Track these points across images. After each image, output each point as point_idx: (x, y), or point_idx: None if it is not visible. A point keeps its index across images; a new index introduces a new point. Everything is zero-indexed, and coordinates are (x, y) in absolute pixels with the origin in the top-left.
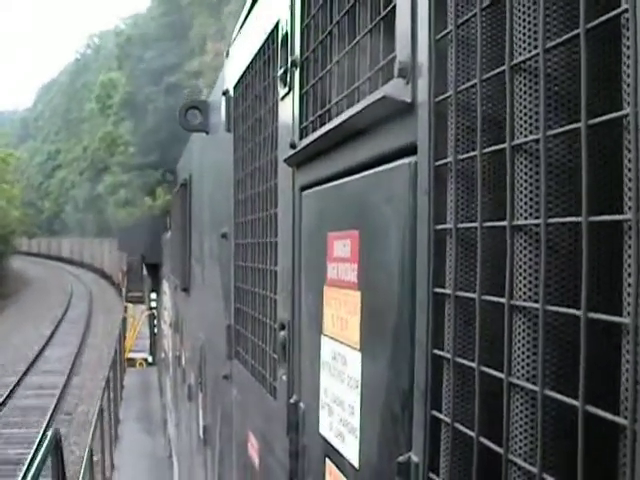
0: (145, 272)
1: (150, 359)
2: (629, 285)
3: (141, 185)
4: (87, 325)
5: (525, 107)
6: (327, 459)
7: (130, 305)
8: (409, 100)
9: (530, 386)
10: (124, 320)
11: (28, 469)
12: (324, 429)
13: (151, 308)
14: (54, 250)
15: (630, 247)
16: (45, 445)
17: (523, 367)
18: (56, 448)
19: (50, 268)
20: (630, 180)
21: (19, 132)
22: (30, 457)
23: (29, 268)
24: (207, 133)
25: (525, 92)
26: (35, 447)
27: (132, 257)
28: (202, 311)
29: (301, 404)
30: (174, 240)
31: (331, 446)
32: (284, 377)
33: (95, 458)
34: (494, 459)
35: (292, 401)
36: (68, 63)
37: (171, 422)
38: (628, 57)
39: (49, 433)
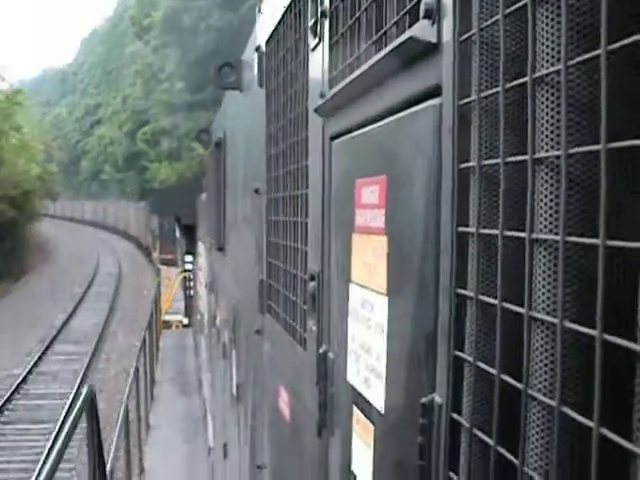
0: (178, 234)
1: (185, 321)
2: None
3: (189, 130)
4: (117, 287)
5: (547, 39)
6: (354, 406)
7: (164, 267)
8: (434, 40)
9: (550, 319)
10: (159, 283)
11: (62, 427)
12: (352, 376)
13: (185, 270)
14: (78, 213)
15: None
16: (79, 402)
17: (543, 301)
18: (90, 406)
19: (75, 231)
20: None
21: (58, 88)
22: (64, 413)
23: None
24: (240, 90)
25: (547, 24)
26: (69, 404)
27: (164, 219)
28: (236, 269)
29: (330, 353)
30: (209, 200)
31: (358, 393)
32: (314, 327)
33: (130, 417)
34: (515, 395)
35: (321, 351)
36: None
37: (206, 382)
38: None
39: (83, 390)
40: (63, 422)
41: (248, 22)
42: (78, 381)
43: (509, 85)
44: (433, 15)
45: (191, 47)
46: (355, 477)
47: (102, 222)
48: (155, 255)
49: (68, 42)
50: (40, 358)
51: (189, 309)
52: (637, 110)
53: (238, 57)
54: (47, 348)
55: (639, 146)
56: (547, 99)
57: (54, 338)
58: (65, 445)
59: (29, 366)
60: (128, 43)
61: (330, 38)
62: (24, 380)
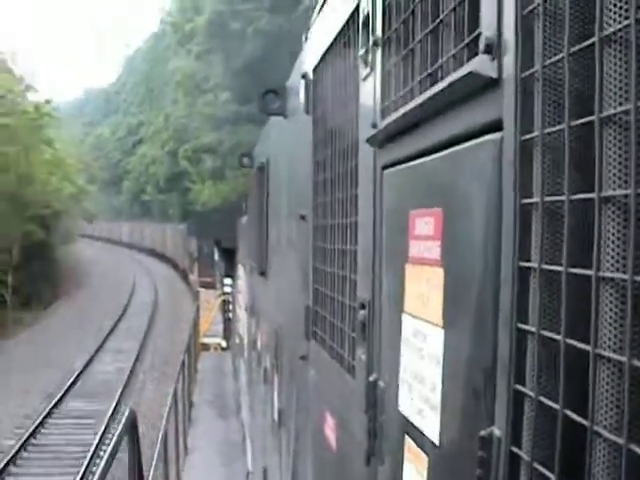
0: (217, 257)
1: (224, 344)
2: None
3: (234, 146)
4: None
5: (615, 79)
6: (406, 436)
7: (203, 290)
8: (495, 76)
9: (617, 357)
10: (198, 306)
11: (99, 448)
12: (403, 406)
13: (224, 293)
14: (115, 235)
15: None
16: (121, 425)
17: (610, 338)
18: (132, 428)
19: (112, 252)
20: None
21: (102, 107)
22: (100, 435)
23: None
24: (285, 117)
25: (615, 64)
26: (105, 426)
27: (202, 242)
28: (279, 294)
29: (380, 382)
30: (251, 224)
31: (410, 423)
32: (363, 356)
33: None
34: (579, 431)
35: (371, 379)
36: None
37: (245, 406)
38: None
39: (126, 412)
40: (99, 443)
41: (299, 27)
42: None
43: (575, 123)
44: (494, 50)
45: (237, 54)
46: None
47: (139, 244)
48: (192, 278)
49: (112, 61)
50: (42, 423)
51: (227, 332)
52: None
53: (288, 65)
54: (55, 406)
55: None
56: (615, 137)
57: (67, 391)
58: (108, 467)
59: (26, 435)
60: (171, 57)
61: (382, 68)
62: (12, 460)
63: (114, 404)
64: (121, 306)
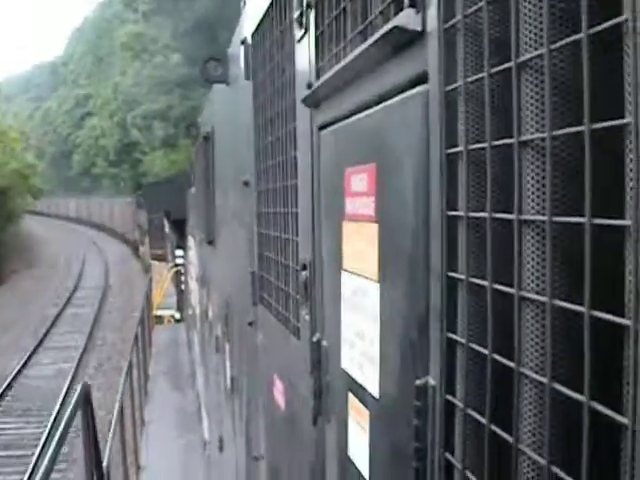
0: (167, 229)
1: (177, 316)
2: (631, 189)
3: (186, 112)
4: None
5: (530, 24)
6: (349, 393)
7: (156, 263)
8: (419, 29)
9: (539, 298)
10: (150, 279)
11: (56, 424)
12: (346, 364)
13: (177, 265)
14: (63, 210)
15: (631, 151)
16: (74, 399)
17: (533, 281)
18: (85, 402)
19: (59, 229)
20: (630, 85)
21: (49, 81)
22: (57, 410)
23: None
24: (227, 84)
25: (530, 9)
26: (61, 400)
27: (152, 214)
28: (227, 262)
29: (324, 341)
30: (198, 194)
31: (353, 379)
32: (307, 317)
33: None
34: (507, 375)
35: (315, 339)
36: None
37: (200, 376)
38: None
39: (78, 387)
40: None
41: None
42: None
43: (494, 70)
44: (418, 4)
45: (187, 13)
46: (352, 462)
47: (87, 219)
48: (143, 250)
49: (60, 34)
50: None
51: (181, 304)
52: (618, 91)
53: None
54: None
55: (620, 126)
56: (531, 83)
57: None
58: (61, 443)
59: None
60: (119, 26)
61: (316, 29)
62: None
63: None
64: (69, 289)
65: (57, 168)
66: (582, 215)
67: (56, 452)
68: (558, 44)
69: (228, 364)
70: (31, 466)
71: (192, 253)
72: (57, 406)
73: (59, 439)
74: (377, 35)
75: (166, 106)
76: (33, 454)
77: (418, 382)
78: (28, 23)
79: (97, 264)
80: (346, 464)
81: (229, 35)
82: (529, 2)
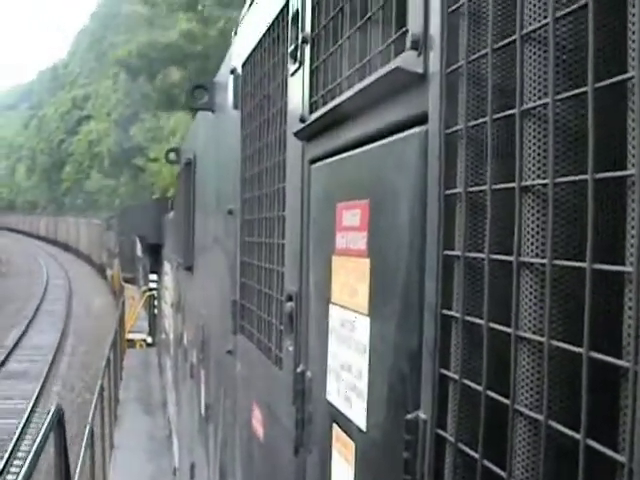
0: (140, 253)
1: (149, 340)
2: (632, 237)
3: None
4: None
5: (534, 74)
6: (334, 424)
7: (129, 286)
8: (421, 71)
9: (537, 337)
10: (123, 301)
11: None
12: (331, 395)
13: (150, 289)
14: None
15: (633, 201)
16: (47, 421)
17: (530, 321)
18: (59, 425)
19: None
20: (634, 138)
21: (49, 87)
22: (21, 428)
23: None
24: (213, 112)
25: (535, 60)
26: (26, 418)
27: (124, 237)
28: (205, 289)
29: (308, 373)
30: (177, 219)
31: (338, 411)
32: (290, 347)
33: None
34: (501, 411)
35: (299, 370)
36: None
37: (171, 402)
38: (633, 24)
39: (52, 409)
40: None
41: None
42: None
43: (497, 116)
44: (420, 46)
45: None
46: None
47: (53, 238)
48: (111, 273)
49: (66, 38)
50: None
51: (153, 328)
52: (621, 142)
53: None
54: None
55: (623, 177)
56: (534, 130)
57: None
58: (34, 465)
59: None
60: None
61: (311, 64)
62: None
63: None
64: (33, 307)
65: (49, 181)
66: (583, 260)
67: (29, 474)
68: (563, 95)
69: (203, 391)
70: None
71: (167, 278)
72: (20, 426)
73: (31, 461)
74: (377, 74)
75: (183, 78)
76: None
77: (409, 416)
78: (34, 29)
79: (60, 286)
80: None
81: None
82: (534, 52)
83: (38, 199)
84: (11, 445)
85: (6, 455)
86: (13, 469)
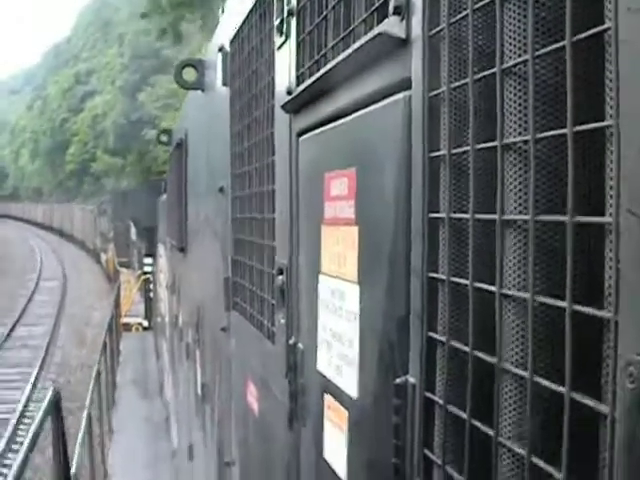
0: (133, 236)
1: (145, 323)
2: (611, 188)
3: None
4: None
5: (514, 32)
6: (326, 394)
7: (124, 270)
8: (403, 36)
9: (521, 294)
10: (119, 285)
11: (16, 429)
12: (322, 365)
13: (145, 273)
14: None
15: (612, 153)
16: (44, 405)
17: (514, 279)
18: (56, 409)
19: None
20: (612, 90)
21: (52, 66)
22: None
23: None
24: (202, 90)
25: (514, 18)
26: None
27: (117, 222)
28: (199, 269)
29: (300, 344)
30: (170, 201)
31: (329, 381)
32: (282, 320)
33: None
34: (488, 370)
35: (291, 342)
36: None
37: (168, 384)
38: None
39: (49, 393)
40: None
41: None
42: None
43: (478, 76)
44: (402, 11)
45: None
46: (328, 464)
47: (50, 225)
48: (106, 257)
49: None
50: None
51: (149, 311)
52: (600, 96)
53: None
54: None
55: (601, 128)
56: (515, 88)
57: None
58: (30, 449)
59: None
60: None
61: (297, 36)
62: None
63: None
64: (29, 290)
65: (52, 165)
66: (564, 214)
67: (26, 458)
68: (542, 51)
69: (199, 371)
70: None
71: (162, 261)
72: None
73: (29, 444)
74: (361, 41)
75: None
76: None
77: (398, 381)
78: (36, 10)
79: (54, 270)
80: (322, 466)
81: None
82: (513, 11)
83: (43, 185)
84: (8, 432)
85: (3, 441)
86: (11, 454)
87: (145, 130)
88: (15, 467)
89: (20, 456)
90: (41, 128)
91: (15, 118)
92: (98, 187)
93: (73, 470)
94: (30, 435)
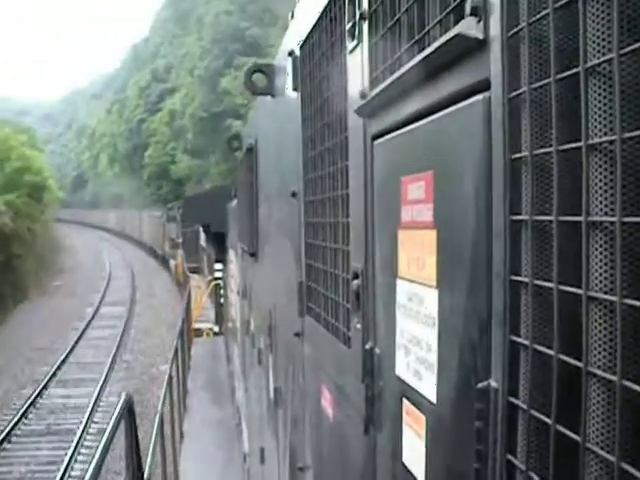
0: (203, 242)
1: (216, 329)
2: None
3: None
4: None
5: (598, 30)
6: (404, 399)
7: (194, 276)
8: (481, 37)
9: (608, 297)
10: (189, 291)
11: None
12: (400, 370)
13: (216, 278)
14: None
15: None
16: (117, 410)
17: (601, 281)
18: (129, 413)
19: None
20: None
21: (130, 66)
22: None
23: None
24: (273, 96)
25: (597, 16)
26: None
27: (186, 228)
28: (271, 273)
29: (376, 349)
30: (241, 206)
31: (408, 385)
32: (358, 325)
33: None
34: (574, 374)
35: (367, 347)
36: None
37: (239, 389)
38: None
39: (122, 398)
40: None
41: None
42: None
43: (560, 76)
44: (480, 12)
45: None
46: (407, 468)
47: (122, 232)
48: (175, 263)
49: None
50: None
51: (220, 317)
52: None
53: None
54: None
55: None
56: (599, 87)
57: None
58: (104, 456)
59: None
60: None
61: (370, 40)
62: None
63: None
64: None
65: (131, 170)
66: None
67: (100, 463)
68: (628, 48)
69: (272, 375)
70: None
71: (232, 266)
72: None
73: (104, 448)
74: (437, 43)
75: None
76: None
77: (480, 385)
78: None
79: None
80: (400, 471)
81: None
82: (597, 9)
83: (123, 191)
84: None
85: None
86: (81, 457)
87: (229, 121)
88: (90, 469)
89: (95, 458)
90: (119, 130)
91: (95, 123)
92: (181, 192)
93: (146, 475)
94: (104, 440)
